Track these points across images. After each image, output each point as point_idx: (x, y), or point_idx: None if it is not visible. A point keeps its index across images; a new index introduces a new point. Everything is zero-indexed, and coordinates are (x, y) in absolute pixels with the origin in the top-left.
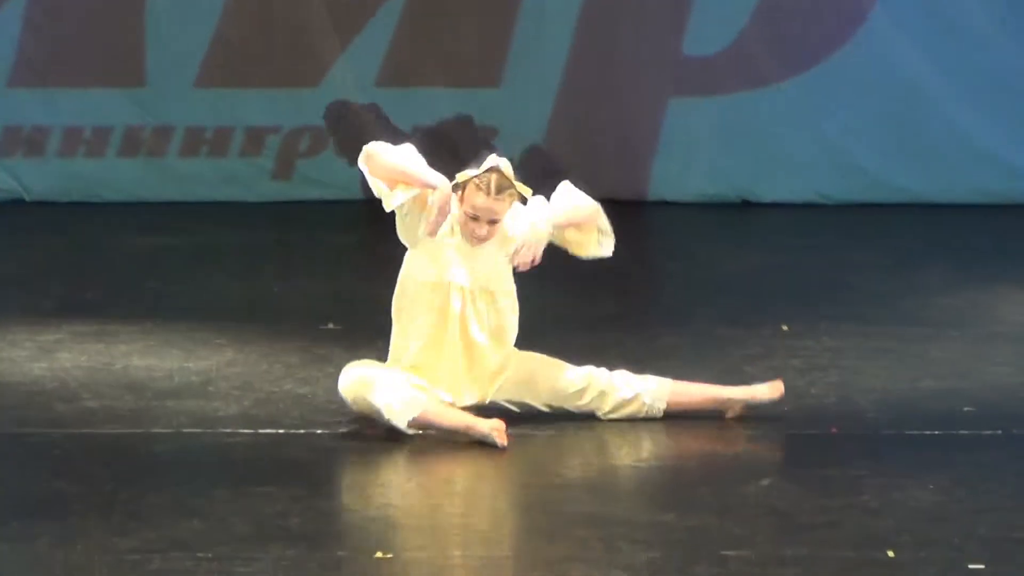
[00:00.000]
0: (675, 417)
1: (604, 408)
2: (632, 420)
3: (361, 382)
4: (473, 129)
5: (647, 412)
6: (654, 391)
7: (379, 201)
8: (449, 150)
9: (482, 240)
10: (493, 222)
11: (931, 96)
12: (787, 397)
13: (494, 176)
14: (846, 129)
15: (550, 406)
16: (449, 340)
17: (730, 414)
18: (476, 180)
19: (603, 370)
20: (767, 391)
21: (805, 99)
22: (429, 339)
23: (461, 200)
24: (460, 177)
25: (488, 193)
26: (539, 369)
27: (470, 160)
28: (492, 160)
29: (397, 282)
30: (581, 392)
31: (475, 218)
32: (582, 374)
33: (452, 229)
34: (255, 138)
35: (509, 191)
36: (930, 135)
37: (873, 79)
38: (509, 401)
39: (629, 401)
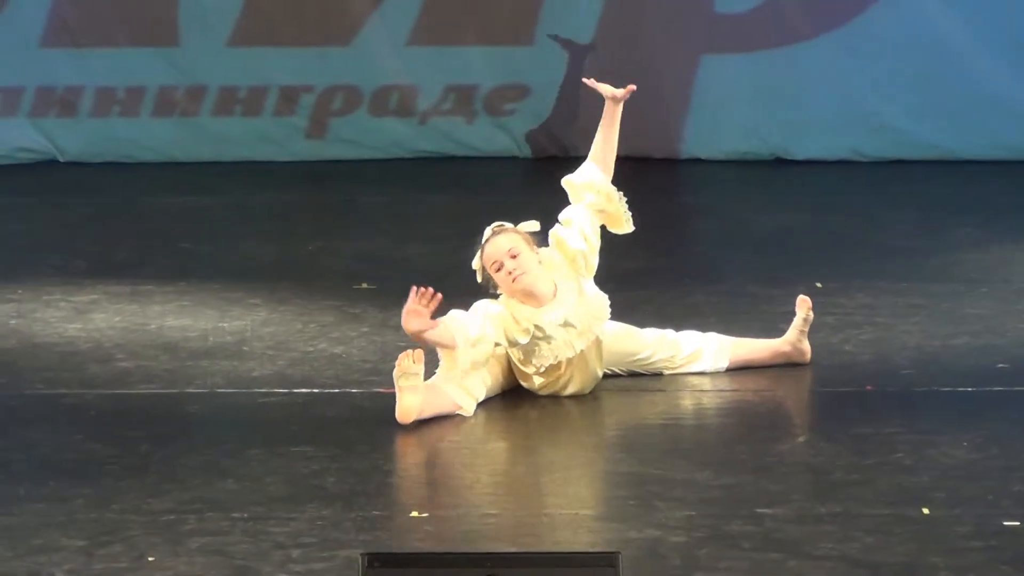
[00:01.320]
0: (710, 376)
1: (672, 366)
2: (698, 375)
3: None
4: None
5: (712, 367)
6: (715, 349)
7: (411, 161)
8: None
9: (521, 276)
10: (514, 256)
11: (962, 53)
12: (821, 355)
13: (486, 233)
14: (878, 86)
15: (620, 369)
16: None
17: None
18: (478, 252)
19: (668, 330)
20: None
21: (837, 56)
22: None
23: (491, 277)
24: (475, 266)
25: (485, 243)
26: (610, 338)
27: None
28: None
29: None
30: (651, 354)
31: (499, 268)
32: (650, 337)
33: (529, 331)
34: (288, 97)
35: (500, 229)
36: (961, 92)
37: (904, 36)
38: None
39: (694, 357)
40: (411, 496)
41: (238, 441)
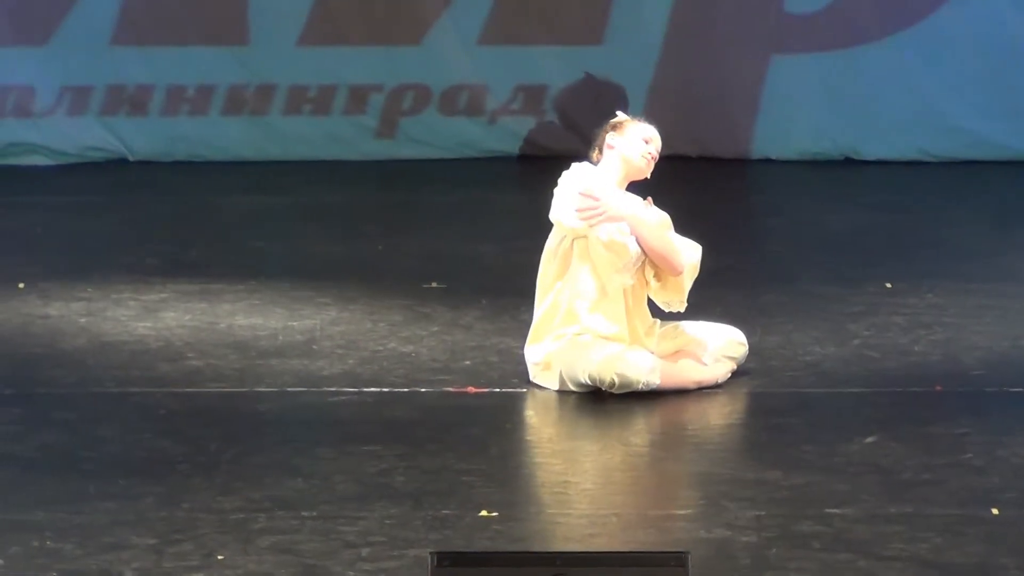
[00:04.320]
0: (776, 376)
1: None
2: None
3: (611, 359)
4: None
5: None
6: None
7: (480, 161)
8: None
9: (654, 163)
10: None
11: None
12: (891, 355)
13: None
14: (948, 86)
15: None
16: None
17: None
18: (633, 118)
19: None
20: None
21: (907, 56)
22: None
23: (617, 137)
24: (620, 115)
25: (640, 122)
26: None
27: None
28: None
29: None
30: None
31: (649, 142)
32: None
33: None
34: (358, 96)
35: None
36: None
37: (975, 36)
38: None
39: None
40: (480, 495)
41: (308, 440)
